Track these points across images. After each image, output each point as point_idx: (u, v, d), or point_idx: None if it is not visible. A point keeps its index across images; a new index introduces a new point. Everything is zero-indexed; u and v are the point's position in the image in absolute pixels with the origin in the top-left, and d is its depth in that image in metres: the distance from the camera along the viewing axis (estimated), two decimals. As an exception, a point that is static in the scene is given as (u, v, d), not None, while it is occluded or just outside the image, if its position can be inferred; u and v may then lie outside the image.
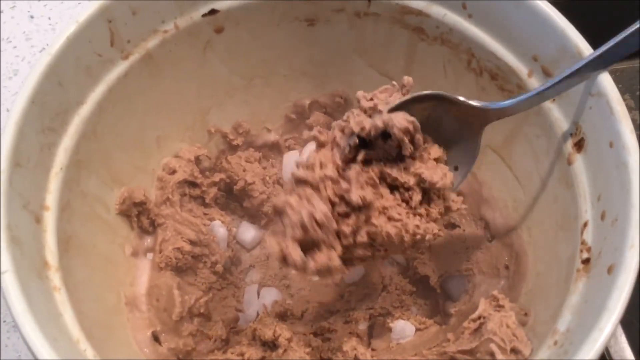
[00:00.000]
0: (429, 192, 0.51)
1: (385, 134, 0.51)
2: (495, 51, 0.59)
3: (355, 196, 0.49)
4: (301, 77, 0.72)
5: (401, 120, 0.50)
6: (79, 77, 0.56)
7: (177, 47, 0.62)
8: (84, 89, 0.57)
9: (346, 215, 0.50)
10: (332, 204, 0.50)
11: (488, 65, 0.60)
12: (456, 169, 0.55)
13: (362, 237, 0.50)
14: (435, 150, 0.52)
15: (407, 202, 0.51)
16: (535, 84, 0.57)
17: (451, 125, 0.55)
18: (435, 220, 0.51)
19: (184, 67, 0.64)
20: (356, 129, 0.50)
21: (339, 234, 0.50)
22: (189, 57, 0.64)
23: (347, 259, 0.51)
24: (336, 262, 0.49)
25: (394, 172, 0.51)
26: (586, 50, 0.52)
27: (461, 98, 0.54)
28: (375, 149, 0.52)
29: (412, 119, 0.50)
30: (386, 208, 0.51)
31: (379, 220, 0.50)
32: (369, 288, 0.68)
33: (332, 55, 0.70)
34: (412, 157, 0.51)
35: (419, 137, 0.51)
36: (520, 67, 0.58)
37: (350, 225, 0.50)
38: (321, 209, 0.48)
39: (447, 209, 0.52)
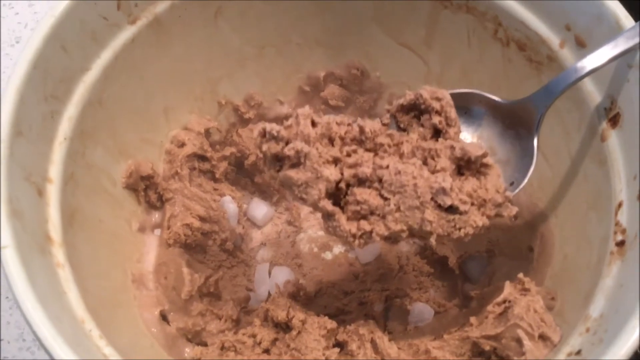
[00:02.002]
0: (463, 172, 0.48)
1: (419, 113, 0.50)
2: (525, 19, 0.55)
3: (366, 127, 0.47)
4: (315, 47, 0.69)
5: (430, 91, 0.49)
6: (83, 42, 0.53)
7: (187, 13, 0.59)
8: (88, 55, 0.54)
9: (353, 152, 0.48)
10: (343, 141, 0.48)
11: (516, 34, 0.57)
12: (511, 184, 0.52)
13: (367, 168, 0.46)
14: (495, 170, 0.48)
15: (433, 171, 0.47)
16: (567, 54, 0.53)
17: (502, 139, 0.53)
18: (472, 205, 0.46)
19: (193, 34, 0.61)
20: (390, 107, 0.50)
21: (337, 162, 0.47)
22: (199, 24, 0.61)
23: (355, 214, 0.47)
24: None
25: (423, 144, 0.48)
26: (624, 18, 0.49)
27: (498, 98, 0.53)
28: (410, 133, 0.50)
29: (443, 91, 0.49)
30: (402, 155, 0.48)
31: (390, 158, 0.47)
32: (384, 268, 0.65)
33: (348, 24, 0.67)
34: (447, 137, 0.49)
35: (450, 110, 0.49)
36: (551, 37, 0.54)
37: (354, 157, 0.47)
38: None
39: (497, 209, 0.47)
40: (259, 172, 0.70)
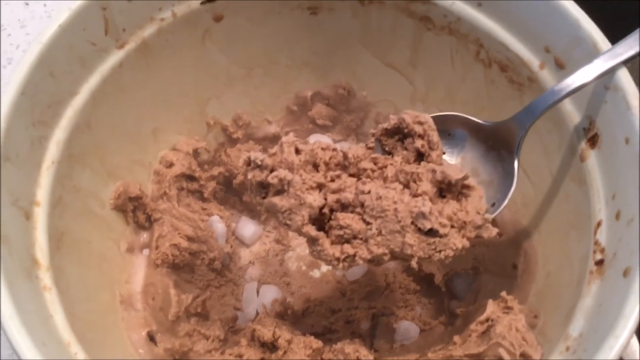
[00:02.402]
0: (445, 195, 0.49)
1: (403, 136, 0.52)
2: (506, 41, 0.56)
3: (349, 153, 0.49)
4: (303, 67, 0.70)
5: (412, 116, 0.50)
6: (71, 67, 0.53)
7: (175, 36, 0.60)
8: (77, 80, 0.54)
9: (337, 177, 0.49)
10: (327, 166, 0.49)
11: (497, 56, 0.58)
12: (493, 205, 0.52)
13: (350, 194, 0.47)
14: (477, 192, 0.49)
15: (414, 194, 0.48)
16: (547, 76, 0.54)
17: (485, 160, 0.54)
18: (452, 227, 0.47)
19: (181, 57, 0.62)
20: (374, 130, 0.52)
21: (321, 188, 0.48)
22: (187, 47, 0.62)
23: (338, 238, 0.48)
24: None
25: (406, 167, 0.49)
26: (601, 41, 0.50)
27: (480, 120, 0.54)
28: (395, 156, 0.51)
29: (425, 115, 0.50)
30: (386, 179, 0.49)
31: (371, 184, 0.48)
32: (371, 286, 0.66)
33: (335, 45, 0.68)
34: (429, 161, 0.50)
35: (433, 134, 0.50)
36: (531, 59, 0.55)
37: (338, 183, 0.48)
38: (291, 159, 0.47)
39: (477, 230, 0.47)
40: (247, 191, 0.70)
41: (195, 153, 0.68)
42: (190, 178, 0.67)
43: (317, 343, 0.55)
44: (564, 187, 0.55)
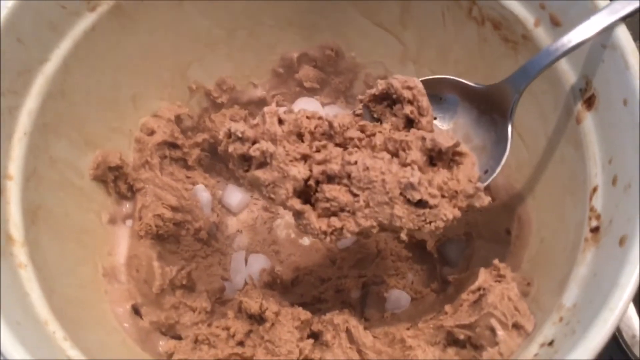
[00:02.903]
0: (436, 163, 0.47)
1: (392, 102, 0.49)
2: (499, -2, 0.54)
3: (335, 122, 0.47)
4: (288, 28, 0.67)
5: (401, 80, 0.48)
6: (40, 33, 0.51)
7: (150, -1, 0.57)
8: (47, 45, 0.52)
9: (323, 147, 0.47)
10: (312, 136, 0.47)
11: (491, 13, 0.55)
12: (486, 172, 0.50)
13: (336, 165, 0.46)
14: (469, 158, 0.47)
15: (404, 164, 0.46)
16: (542, 34, 0.52)
17: (477, 125, 0.52)
18: (443, 197, 0.45)
19: (158, 19, 0.59)
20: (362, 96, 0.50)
21: (306, 159, 0.47)
22: (163, 8, 0.59)
23: (325, 211, 0.46)
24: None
25: (395, 135, 0.47)
26: (599, -5, 0.47)
27: (472, 83, 0.51)
28: (383, 122, 0.50)
29: (415, 80, 0.48)
30: (374, 147, 0.47)
31: (358, 154, 0.46)
32: (362, 253, 0.64)
33: (321, 3, 0.65)
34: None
35: (422, 99, 0.48)
36: (526, 16, 0.53)
37: (323, 154, 0.46)
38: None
39: (469, 200, 0.46)
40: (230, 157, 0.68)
41: (178, 119, 0.65)
42: (173, 145, 0.65)
43: (305, 314, 0.54)
44: (560, 150, 0.53)
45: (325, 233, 0.46)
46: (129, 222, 0.62)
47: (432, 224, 0.44)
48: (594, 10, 0.47)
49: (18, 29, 0.48)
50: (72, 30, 0.53)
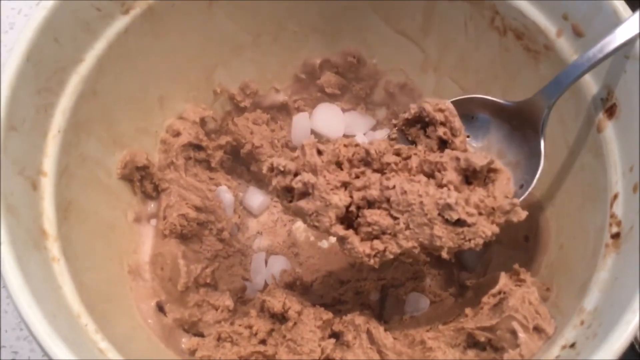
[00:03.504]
0: (472, 182, 0.48)
1: (425, 124, 0.52)
2: (522, 8, 0.55)
3: (372, 149, 0.49)
4: (311, 34, 0.68)
5: (432, 104, 0.50)
6: (76, 33, 0.52)
7: (181, 1, 0.58)
8: (82, 46, 0.53)
9: (362, 173, 0.49)
10: (350, 163, 0.49)
11: (513, 23, 0.56)
12: (521, 187, 0.52)
13: (375, 190, 0.47)
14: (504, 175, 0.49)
15: (440, 185, 0.48)
16: (564, 44, 0.53)
17: (510, 141, 0.53)
18: (480, 215, 0.46)
19: (188, 23, 0.60)
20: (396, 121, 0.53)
21: (346, 186, 0.49)
22: (194, 12, 0.60)
23: (367, 235, 0.48)
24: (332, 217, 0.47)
25: (430, 156, 0.49)
26: (622, 8, 0.48)
27: (502, 101, 0.53)
28: (418, 145, 0.52)
29: (446, 102, 0.50)
30: (411, 170, 0.49)
31: (396, 179, 0.48)
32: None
33: (344, 10, 0.66)
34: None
35: (454, 119, 0.50)
36: (548, 26, 0.54)
37: (362, 180, 0.48)
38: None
39: (506, 215, 0.47)
40: (254, 161, 0.69)
41: (202, 122, 0.67)
42: (198, 147, 0.66)
43: (327, 314, 0.55)
44: (580, 158, 0.54)
45: (369, 256, 0.48)
46: (154, 222, 0.63)
47: (472, 242, 0.46)
48: (616, 21, 0.48)
49: (55, 29, 0.50)
50: (106, 32, 0.54)
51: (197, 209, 0.62)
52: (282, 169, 0.48)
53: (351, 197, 0.48)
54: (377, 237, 0.48)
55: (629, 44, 0.46)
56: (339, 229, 0.48)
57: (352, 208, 0.48)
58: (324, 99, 0.73)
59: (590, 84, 0.51)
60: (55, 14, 0.49)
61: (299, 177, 0.47)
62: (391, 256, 0.48)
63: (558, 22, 0.53)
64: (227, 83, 0.69)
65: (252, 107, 0.71)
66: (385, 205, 0.47)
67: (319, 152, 0.49)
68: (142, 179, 0.62)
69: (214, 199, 0.64)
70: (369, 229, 0.48)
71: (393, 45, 0.68)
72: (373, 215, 0.48)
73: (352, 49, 0.70)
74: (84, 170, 0.55)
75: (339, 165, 0.49)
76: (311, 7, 0.66)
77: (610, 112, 0.50)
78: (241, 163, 0.71)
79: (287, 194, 0.49)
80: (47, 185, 0.49)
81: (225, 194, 0.67)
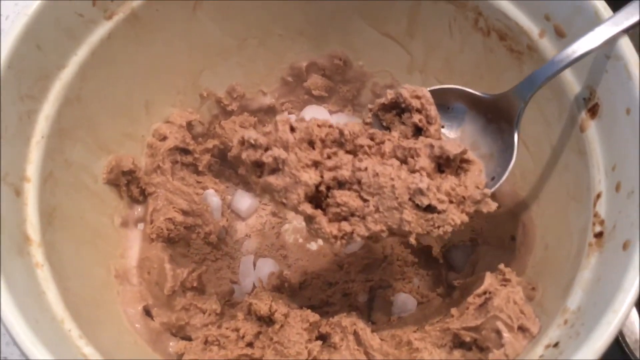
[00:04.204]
0: (444, 170, 0.48)
1: (401, 111, 0.51)
2: (505, 9, 0.55)
3: (345, 129, 0.48)
4: (297, 37, 0.68)
5: (409, 90, 0.50)
6: (59, 40, 0.52)
7: (164, 7, 0.58)
8: (64, 52, 0.53)
9: (334, 154, 0.49)
10: (323, 143, 0.48)
11: (497, 24, 0.56)
12: (493, 179, 0.52)
13: (346, 171, 0.47)
14: (476, 165, 0.49)
15: (412, 170, 0.48)
16: (547, 44, 0.53)
17: (484, 133, 0.53)
18: (451, 203, 0.46)
19: (172, 28, 0.60)
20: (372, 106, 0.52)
21: (317, 165, 0.48)
22: (178, 17, 0.60)
23: (336, 216, 0.48)
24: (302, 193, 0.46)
25: (404, 142, 0.48)
26: (603, 9, 0.48)
27: (479, 93, 0.53)
28: (392, 131, 0.51)
29: (423, 89, 0.49)
30: (384, 155, 0.49)
31: (368, 161, 0.47)
32: (369, 258, 0.65)
33: (330, 14, 0.66)
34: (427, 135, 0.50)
35: (430, 108, 0.49)
36: (531, 27, 0.54)
37: (334, 160, 0.48)
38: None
39: (476, 205, 0.47)
40: (242, 164, 0.69)
41: (189, 125, 0.67)
42: (185, 151, 0.66)
43: (314, 316, 0.55)
44: (564, 158, 0.54)
45: (335, 237, 0.47)
46: (141, 226, 0.63)
47: (441, 229, 0.46)
48: (597, 22, 0.48)
49: (37, 35, 0.50)
50: (89, 38, 0.54)
51: (184, 212, 0.62)
52: (253, 142, 0.47)
53: (322, 176, 0.47)
54: (345, 219, 0.47)
55: (609, 43, 0.47)
56: (307, 207, 0.47)
57: (322, 188, 0.48)
58: (311, 101, 0.73)
59: (573, 84, 0.52)
60: (37, 21, 0.49)
61: (269, 152, 0.46)
62: (358, 239, 0.47)
63: (540, 22, 0.53)
64: (213, 87, 0.69)
65: (239, 110, 0.71)
66: (355, 186, 0.47)
67: (292, 129, 0.48)
68: (128, 184, 0.62)
69: (201, 203, 0.64)
70: (338, 210, 0.47)
71: (379, 48, 0.68)
72: (343, 196, 0.47)
73: (339, 51, 0.70)
74: (69, 176, 0.55)
75: (311, 144, 0.48)
76: (296, 11, 0.66)
77: (593, 111, 0.50)
78: (228, 166, 0.71)
79: (257, 169, 0.48)
80: (31, 191, 0.49)
81: (213, 198, 0.67)
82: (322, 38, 0.69)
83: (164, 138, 0.64)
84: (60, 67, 0.53)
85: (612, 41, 0.47)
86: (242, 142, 0.48)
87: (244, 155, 0.48)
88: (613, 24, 0.46)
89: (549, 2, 0.51)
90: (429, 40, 0.64)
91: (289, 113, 0.73)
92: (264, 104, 0.72)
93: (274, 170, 0.47)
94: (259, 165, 0.48)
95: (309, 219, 0.48)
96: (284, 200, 0.47)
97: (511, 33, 0.56)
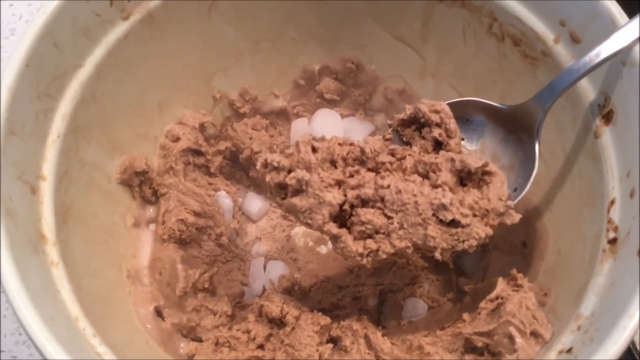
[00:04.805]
0: (466, 183, 0.48)
1: (420, 125, 0.51)
2: (520, 15, 0.55)
3: (367, 147, 0.49)
4: (310, 40, 0.69)
5: (428, 105, 0.50)
6: (76, 39, 0.52)
7: (180, 8, 0.59)
8: (81, 52, 0.53)
9: (356, 172, 0.49)
10: (345, 162, 0.49)
11: (511, 30, 0.57)
12: (515, 190, 0.52)
13: (369, 189, 0.47)
14: (498, 177, 0.49)
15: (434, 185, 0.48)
16: (562, 50, 0.53)
17: (505, 144, 0.53)
18: (474, 216, 0.46)
19: (187, 29, 0.61)
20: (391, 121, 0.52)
21: (340, 185, 0.48)
22: (193, 19, 0.60)
23: (361, 234, 0.48)
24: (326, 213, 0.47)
25: (425, 157, 0.49)
26: (619, 15, 0.48)
27: (498, 104, 0.53)
28: (413, 146, 0.52)
29: (441, 104, 0.50)
30: (405, 170, 0.49)
31: (390, 178, 0.48)
32: (379, 262, 0.65)
33: (343, 18, 0.66)
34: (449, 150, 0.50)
35: (449, 121, 0.50)
36: (546, 33, 0.54)
37: (357, 179, 0.48)
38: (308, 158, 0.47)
39: (500, 217, 0.47)
40: (253, 166, 0.70)
41: (202, 127, 0.67)
42: (197, 152, 0.66)
43: (325, 319, 0.55)
44: (577, 164, 0.54)
45: (361, 255, 0.48)
46: (152, 226, 0.63)
47: (465, 243, 0.46)
48: (613, 28, 0.48)
49: (55, 34, 0.50)
50: (106, 38, 0.55)
51: (196, 214, 0.63)
52: (276, 164, 0.48)
53: (345, 195, 0.48)
54: (370, 237, 0.48)
55: (625, 50, 0.47)
56: (332, 227, 0.47)
57: (346, 207, 0.48)
58: (323, 104, 0.73)
59: (588, 90, 0.52)
60: (55, 20, 0.50)
61: (292, 174, 0.47)
62: (384, 256, 0.47)
63: (556, 28, 0.53)
64: (226, 89, 0.69)
65: (251, 112, 0.71)
66: (379, 204, 0.47)
67: (314, 150, 0.48)
68: (141, 184, 0.62)
69: (212, 204, 0.64)
70: (362, 228, 0.47)
71: (392, 52, 0.68)
72: (367, 214, 0.47)
73: (351, 55, 0.70)
74: (83, 175, 0.55)
75: (334, 163, 0.49)
76: (310, 14, 0.66)
77: (607, 118, 0.50)
78: (240, 168, 0.71)
79: (281, 191, 0.49)
80: (47, 189, 0.50)
81: (224, 199, 0.67)
82: (335, 41, 0.69)
83: (176, 139, 0.65)
84: (77, 67, 0.53)
85: (628, 48, 0.47)
86: (265, 164, 0.48)
87: (267, 178, 0.49)
88: (630, 30, 0.46)
89: (565, 8, 0.52)
90: (442, 44, 0.64)
91: (301, 116, 0.73)
92: (276, 106, 0.72)
93: (298, 192, 0.48)
94: (282, 188, 0.49)
95: (335, 239, 0.48)
96: (309, 221, 0.48)
97: (526, 39, 0.56)
